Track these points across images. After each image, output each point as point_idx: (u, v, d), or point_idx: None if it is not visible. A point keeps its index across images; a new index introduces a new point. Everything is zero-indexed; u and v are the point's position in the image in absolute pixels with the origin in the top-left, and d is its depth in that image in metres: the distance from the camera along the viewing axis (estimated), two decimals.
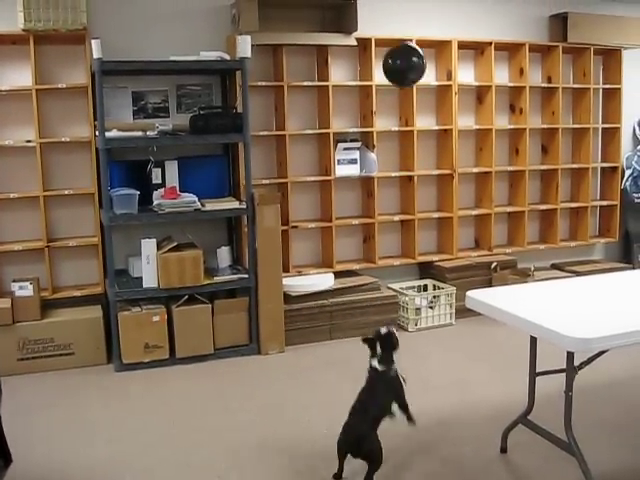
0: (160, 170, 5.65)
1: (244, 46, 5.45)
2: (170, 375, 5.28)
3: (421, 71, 4.69)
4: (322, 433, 4.21)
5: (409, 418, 3.74)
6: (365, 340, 3.74)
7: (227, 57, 5.56)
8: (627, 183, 7.74)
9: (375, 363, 3.68)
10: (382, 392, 3.67)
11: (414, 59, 4.66)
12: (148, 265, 5.37)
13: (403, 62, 4.71)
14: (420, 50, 4.74)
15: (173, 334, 5.44)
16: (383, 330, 3.72)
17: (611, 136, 7.61)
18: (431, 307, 6.36)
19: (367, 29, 6.17)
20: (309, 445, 4.09)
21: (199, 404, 4.72)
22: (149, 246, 5.37)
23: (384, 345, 3.68)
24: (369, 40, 6.21)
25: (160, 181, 5.66)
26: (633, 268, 7.26)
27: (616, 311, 3.52)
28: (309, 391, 4.92)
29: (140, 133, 5.39)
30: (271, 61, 6.17)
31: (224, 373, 5.31)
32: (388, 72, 4.72)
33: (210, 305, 5.53)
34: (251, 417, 4.50)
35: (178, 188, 5.58)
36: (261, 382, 5.13)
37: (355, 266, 6.49)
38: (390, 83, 4.84)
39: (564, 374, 3.44)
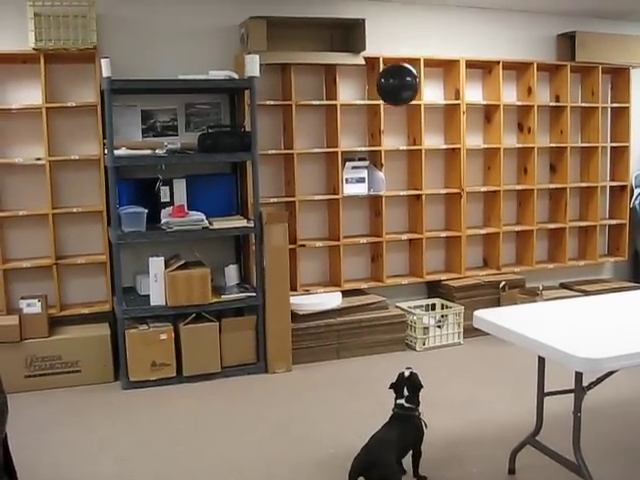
0: (168, 188, 5.67)
1: (252, 65, 5.47)
2: (177, 393, 5.27)
3: (414, 90, 4.83)
4: (329, 453, 4.19)
5: (416, 470, 3.88)
6: (392, 386, 3.98)
7: (236, 76, 5.58)
8: (636, 202, 7.71)
9: (402, 401, 3.89)
10: (408, 428, 3.84)
11: (407, 78, 4.81)
12: (156, 283, 5.38)
13: (396, 81, 4.88)
14: (413, 69, 4.87)
15: (180, 352, 5.44)
16: (406, 372, 3.97)
17: (620, 155, 7.60)
18: (439, 326, 6.34)
19: (375, 48, 6.20)
20: (316, 464, 4.07)
21: (206, 423, 4.71)
22: (157, 264, 5.38)
23: (409, 386, 3.92)
24: (377, 59, 6.23)
25: (168, 199, 5.67)
26: None
27: (625, 331, 3.50)
28: (316, 410, 4.90)
29: (149, 151, 5.42)
30: (279, 80, 6.19)
31: (231, 392, 5.29)
32: (382, 91, 4.91)
33: (217, 323, 5.52)
34: (258, 436, 4.48)
35: (186, 206, 5.59)
36: (268, 401, 5.11)
37: (363, 285, 6.48)
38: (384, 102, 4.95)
39: (572, 394, 3.42)
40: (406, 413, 3.88)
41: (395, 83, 4.89)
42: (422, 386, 3.97)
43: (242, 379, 5.55)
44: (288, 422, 4.70)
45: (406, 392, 3.91)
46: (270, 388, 5.38)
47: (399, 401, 3.91)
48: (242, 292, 5.67)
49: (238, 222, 5.63)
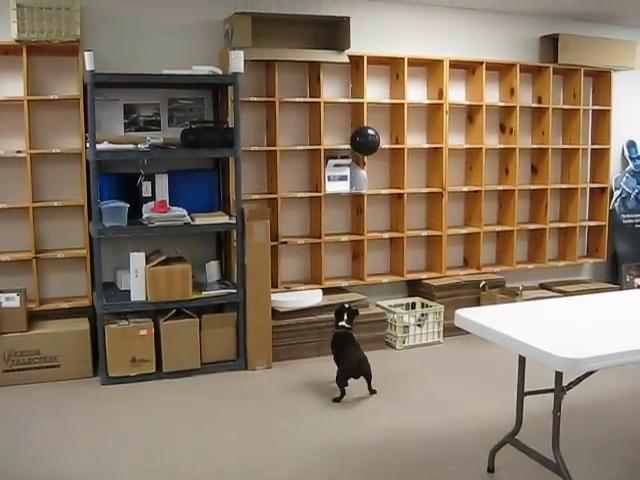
0: (150, 183, 5.63)
1: (237, 61, 5.45)
2: (156, 389, 5.24)
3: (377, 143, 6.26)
4: (310, 450, 4.19)
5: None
6: (336, 311, 5.44)
7: (219, 72, 5.57)
8: (616, 204, 7.78)
9: (344, 323, 5.34)
10: (356, 340, 5.28)
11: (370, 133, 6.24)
12: (136, 278, 5.36)
13: (362, 139, 6.27)
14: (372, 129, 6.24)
15: (160, 348, 5.41)
16: (346, 305, 5.49)
17: (600, 157, 7.66)
18: (419, 325, 6.36)
19: (359, 46, 6.19)
20: (296, 460, 4.07)
21: (185, 419, 4.69)
22: (138, 259, 5.36)
23: (349, 312, 5.37)
24: (361, 57, 6.23)
25: (150, 194, 5.63)
26: (621, 288, 7.29)
27: (605, 332, 3.53)
28: (296, 407, 4.90)
29: (131, 146, 5.38)
30: (263, 77, 6.18)
31: (211, 388, 5.28)
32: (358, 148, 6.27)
33: (198, 320, 5.50)
34: (238, 432, 4.47)
35: (168, 202, 5.56)
36: (248, 397, 5.10)
37: (344, 283, 6.48)
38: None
39: (552, 394, 3.44)
40: (347, 331, 5.30)
41: (362, 141, 6.26)
42: (358, 312, 5.52)
43: (222, 375, 5.54)
44: (268, 418, 4.69)
45: (346, 317, 5.34)
46: (250, 385, 5.38)
47: (341, 323, 5.34)
48: (223, 288, 5.66)
49: (220, 218, 5.62)
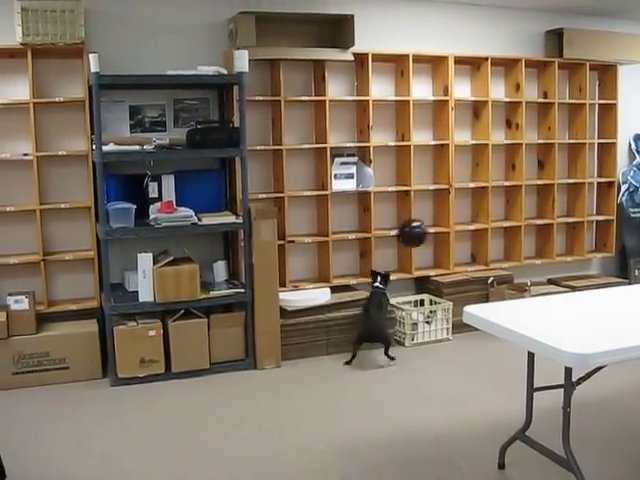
0: (157, 184, 5.63)
1: (241, 61, 5.45)
2: (166, 390, 5.25)
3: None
4: (320, 449, 4.19)
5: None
6: (372, 272, 6.10)
7: (224, 72, 5.57)
8: (623, 198, 7.76)
9: (377, 284, 5.95)
10: (384, 301, 5.89)
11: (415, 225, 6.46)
12: (144, 279, 5.36)
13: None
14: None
15: (169, 348, 5.42)
16: (378, 271, 6.06)
17: (607, 151, 7.64)
18: (428, 322, 6.35)
19: (364, 44, 6.18)
20: (307, 460, 4.06)
21: (195, 419, 4.70)
22: (145, 260, 5.36)
23: (383, 277, 5.98)
24: (366, 55, 6.22)
25: (157, 195, 5.63)
26: (629, 283, 7.26)
27: (614, 326, 3.52)
28: (305, 406, 4.89)
29: (137, 147, 5.38)
30: (268, 76, 6.18)
31: (220, 388, 5.28)
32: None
33: (206, 320, 5.50)
34: (247, 432, 4.47)
35: (175, 202, 5.56)
36: (257, 397, 5.10)
37: (352, 281, 6.48)
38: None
39: (562, 390, 3.43)
40: (378, 291, 5.92)
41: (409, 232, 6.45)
42: (390, 276, 6.10)
43: (231, 375, 5.54)
44: (277, 418, 4.69)
45: (379, 279, 5.95)
46: (259, 384, 5.38)
47: (375, 283, 5.97)
48: (231, 288, 5.66)
49: (227, 218, 5.62)
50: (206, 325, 5.50)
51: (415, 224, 6.40)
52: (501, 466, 3.93)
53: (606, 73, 7.52)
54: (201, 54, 5.82)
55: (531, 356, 3.71)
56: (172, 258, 5.42)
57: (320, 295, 6.05)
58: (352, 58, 6.11)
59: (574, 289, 6.75)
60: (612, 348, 3.13)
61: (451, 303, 6.35)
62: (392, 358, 5.67)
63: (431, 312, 6.40)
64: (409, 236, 6.40)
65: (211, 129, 5.69)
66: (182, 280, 5.39)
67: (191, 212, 5.47)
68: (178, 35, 5.83)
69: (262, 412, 4.80)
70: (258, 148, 6.02)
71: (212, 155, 5.78)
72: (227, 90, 5.89)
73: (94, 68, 5.04)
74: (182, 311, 5.44)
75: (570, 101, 7.36)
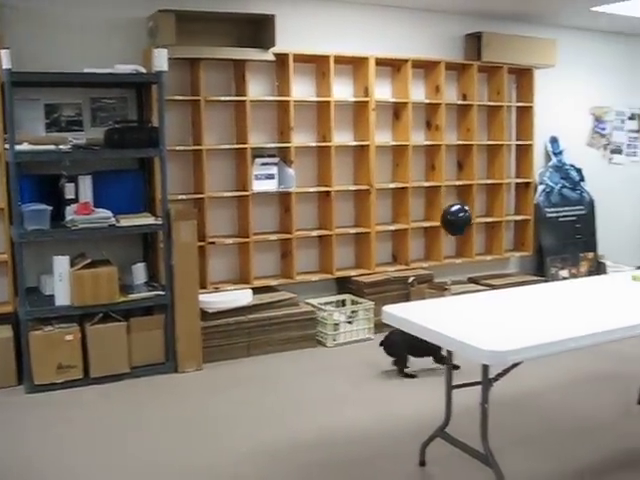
0: (74, 185, 5.50)
1: (160, 59, 5.38)
2: (84, 396, 5.13)
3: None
4: (241, 452, 4.16)
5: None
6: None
7: (143, 70, 5.48)
8: (540, 198, 7.93)
9: None
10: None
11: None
12: (61, 283, 5.24)
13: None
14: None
15: (87, 353, 5.30)
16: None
17: (524, 152, 7.80)
18: (349, 322, 6.37)
19: (285, 44, 6.18)
20: (229, 464, 4.02)
21: (116, 425, 4.60)
22: (61, 263, 5.24)
23: None
24: (287, 55, 6.21)
25: (73, 196, 5.49)
26: (546, 281, 7.41)
27: (530, 323, 3.58)
28: (228, 409, 4.84)
29: (52, 147, 5.24)
30: (188, 75, 6.11)
31: (141, 392, 5.19)
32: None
33: (125, 323, 5.41)
34: (170, 437, 4.40)
35: (92, 203, 5.44)
36: (178, 401, 5.03)
37: (273, 282, 6.45)
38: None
39: (480, 386, 3.47)
40: None
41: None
42: None
43: (152, 379, 5.45)
44: (198, 422, 4.63)
45: None
46: (180, 388, 5.31)
47: None
48: (150, 291, 5.57)
49: (146, 219, 5.52)
50: (125, 329, 5.40)
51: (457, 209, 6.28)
52: (422, 464, 3.95)
53: (523, 76, 7.68)
54: (120, 52, 5.72)
55: (449, 354, 3.75)
56: (89, 261, 5.31)
57: (241, 296, 6.01)
58: (273, 58, 6.09)
59: (493, 287, 6.85)
60: (528, 345, 3.18)
61: (372, 303, 6.38)
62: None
63: (353, 312, 6.43)
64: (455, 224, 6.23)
65: (129, 129, 5.59)
66: (100, 283, 5.28)
67: (109, 213, 5.36)
68: (96, 32, 5.71)
69: (183, 416, 4.73)
70: (178, 148, 5.94)
71: (131, 155, 5.68)
72: (146, 89, 5.79)
73: (6, 64, 4.89)
74: (100, 315, 5.33)
75: (489, 103, 7.48)
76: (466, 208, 5.85)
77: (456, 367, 4.39)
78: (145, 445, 4.29)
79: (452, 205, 6.08)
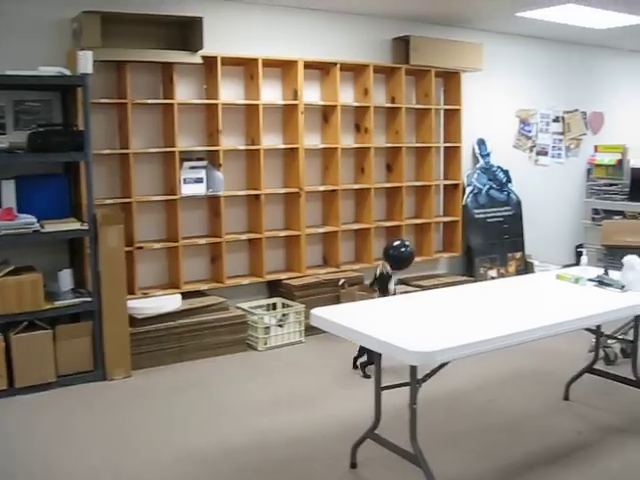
0: None
1: (85, 62, 5.28)
2: (8, 407, 4.99)
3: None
4: (171, 459, 4.11)
5: None
6: None
7: (67, 72, 5.38)
8: (468, 199, 8.03)
9: None
10: None
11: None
12: None
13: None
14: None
15: (11, 363, 5.16)
16: None
17: (452, 154, 7.90)
18: (280, 325, 6.36)
19: (213, 47, 6.14)
20: (159, 472, 3.97)
21: (42, 436, 4.49)
22: None
23: None
24: (215, 58, 6.17)
25: None
26: (475, 281, 7.52)
27: (458, 323, 3.63)
28: (158, 416, 4.78)
29: None
30: (115, 78, 6.01)
31: (67, 402, 5.08)
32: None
33: (51, 331, 5.29)
34: (95, 446, 4.32)
35: (15, 209, 5.32)
36: (106, 409, 4.94)
37: (203, 286, 6.39)
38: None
39: (409, 387, 3.49)
40: None
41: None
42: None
43: (80, 388, 5.34)
44: (127, 430, 4.56)
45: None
46: (109, 396, 5.21)
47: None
48: (77, 297, 5.47)
49: (71, 225, 5.42)
50: (51, 337, 5.28)
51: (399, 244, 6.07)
52: (353, 465, 3.97)
53: (450, 80, 7.78)
54: (44, 53, 5.60)
55: (378, 355, 3.76)
56: (13, 268, 5.19)
57: (170, 302, 5.94)
58: (201, 61, 6.05)
59: (423, 288, 6.91)
60: (454, 345, 3.22)
61: (303, 306, 6.38)
62: None
63: (283, 315, 6.42)
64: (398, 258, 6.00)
65: (54, 132, 5.48)
66: (24, 291, 5.16)
67: (33, 219, 5.24)
68: (19, 33, 5.57)
69: (111, 425, 4.65)
70: (104, 152, 5.84)
71: (55, 159, 5.56)
72: (71, 92, 5.68)
73: None
74: (25, 323, 5.20)
75: (417, 106, 7.56)
76: (407, 244, 5.95)
77: None
78: (73, 454, 4.21)
79: (394, 240, 6.24)
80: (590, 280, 4.50)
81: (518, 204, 8.51)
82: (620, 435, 4.40)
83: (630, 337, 4.77)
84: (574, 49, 9.10)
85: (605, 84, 9.65)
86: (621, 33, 8.16)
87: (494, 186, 8.30)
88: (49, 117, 5.78)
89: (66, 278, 5.65)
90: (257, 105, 6.44)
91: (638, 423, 4.57)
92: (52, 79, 5.33)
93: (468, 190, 8.05)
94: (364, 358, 5.46)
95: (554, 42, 8.83)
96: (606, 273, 4.57)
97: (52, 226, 5.31)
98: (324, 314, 3.76)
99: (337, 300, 6.55)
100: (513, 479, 3.88)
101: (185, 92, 6.29)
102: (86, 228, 5.38)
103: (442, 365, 3.47)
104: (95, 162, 5.48)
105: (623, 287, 4.29)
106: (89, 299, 5.43)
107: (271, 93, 6.72)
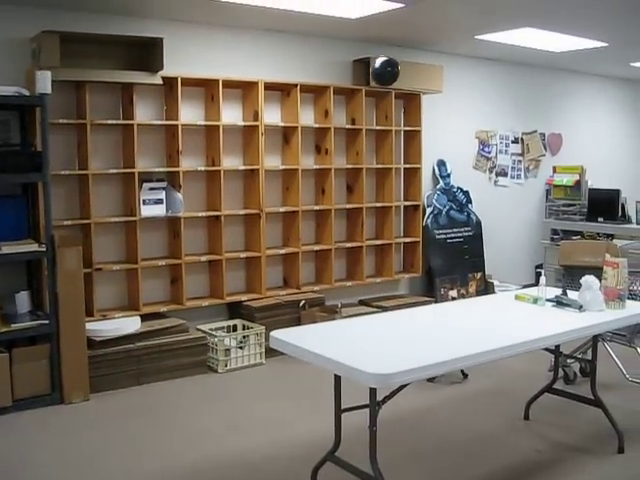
0: None
1: (44, 81, 5.24)
2: None
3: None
4: None
5: None
6: None
7: (26, 92, 5.33)
8: (428, 220, 8.08)
9: None
10: None
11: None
12: None
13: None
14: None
15: None
16: None
17: (412, 176, 7.95)
18: (241, 347, 6.32)
19: (174, 68, 6.13)
20: None
21: None
22: None
23: None
24: (175, 79, 6.15)
25: None
26: (436, 301, 7.56)
27: (417, 345, 3.64)
28: (116, 441, 4.72)
29: None
30: (74, 98, 5.97)
31: (24, 427, 4.99)
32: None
33: (8, 354, 5.20)
34: (50, 472, 4.25)
35: None
36: (63, 433, 4.86)
37: (163, 308, 6.33)
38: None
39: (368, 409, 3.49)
40: None
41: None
42: None
43: (37, 412, 5.25)
44: (84, 455, 4.49)
45: None
46: (67, 420, 5.13)
47: None
48: (34, 320, 5.39)
49: (29, 246, 5.35)
50: (8, 360, 5.20)
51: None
52: None
53: (410, 101, 7.84)
54: (2, 73, 5.55)
55: (337, 378, 3.75)
56: None
57: (129, 324, 5.88)
58: (161, 82, 6.03)
59: (384, 309, 6.94)
60: (413, 367, 3.22)
61: (263, 327, 6.35)
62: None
63: (244, 337, 6.38)
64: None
65: (11, 153, 5.42)
66: None
67: None
68: None
69: (68, 449, 4.58)
70: (63, 173, 5.78)
71: (12, 180, 5.47)
72: (30, 112, 5.62)
73: None
74: None
75: (377, 127, 7.60)
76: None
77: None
78: (28, 479, 4.14)
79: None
80: (549, 300, 4.55)
81: (478, 224, 8.59)
82: (579, 454, 4.43)
83: (588, 356, 4.81)
84: (532, 71, 9.25)
85: (563, 106, 9.81)
86: (576, 56, 8.32)
87: (454, 207, 8.37)
88: (7, 137, 5.71)
89: (23, 300, 5.58)
90: (217, 126, 6.44)
91: (597, 442, 4.60)
92: (10, 99, 5.27)
93: (428, 211, 8.11)
94: None
95: (513, 64, 8.96)
96: (564, 293, 4.62)
97: (9, 248, 5.24)
98: (283, 336, 3.75)
99: (298, 321, 6.56)
100: None
101: (145, 113, 6.27)
102: (44, 250, 5.32)
103: (402, 387, 3.47)
104: (53, 183, 5.43)
105: (581, 307, 4.34)
106: (46, 321, 5.36)
107: (231, 114, 6.72)
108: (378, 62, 7.04)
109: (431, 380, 5.63)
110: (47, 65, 5.39)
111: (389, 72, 7.11)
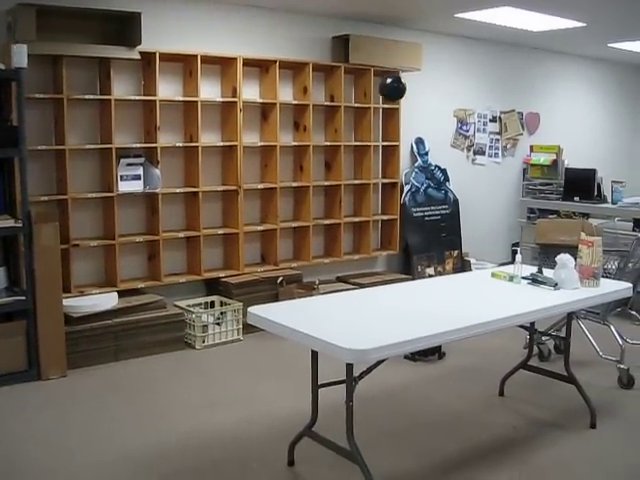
0: None
1: (20, 56, 5.18)
2: None
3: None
4: (104, 462, 4.06)
5: None
6: None
7: (1, 66, 5.27)
8: (406, 198, 8.11)
9: None
10: None
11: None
12: None
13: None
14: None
15: None
16: None
17: (390, 153, 7.96)
18: (218, 324, 6.33)
19: (152, 43, 6.08)
20: (91, 477, 3.92)
21: None
22: None
23: None
24: (153, 54, 6.11)
25: None
26: (413, 278, 7.60)
27: (394, 321, 3.67)
28: (91, 417, 4.72)
29: None
30: (50, 73, 5.91)
31: (1, 402, 4.98)
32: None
33: None
34: (29, 447, 4.25)
35: None
36: (40, 410, 4.85)
37: (140, 284, 6.32)
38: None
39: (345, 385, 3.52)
40: None
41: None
42: None
43: (13, 388, 5.23)
44: (62, 431, 4.49)
45: None
46: (43, 396, 5.12)
47: None
48: (11, 296, 5.37)
49: (5, 222, 5.32)
50: None
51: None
52: (291, 463, 3.99)
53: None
54: None
55: (314, 354, 3.78)
56: None
57: (106, 300, 5.87)
58: (138, 57, 5.98)
59: (361, 286, 6.96)
60: (389, 342, 3.25)
61: (241, 304, 6.35)
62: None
63: (221, 314, 6.39)
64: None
65: None
66: None
67: None
68: None
69: (45, 425, 4.58)
70: (39, 148, 5.73)
71: None
72: (5, 87, 5.55)
73: None
74: None
75: (356, 105, 7.60)
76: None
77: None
78: (7, 455, 4.13)
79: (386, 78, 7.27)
80: (524, 278, 4.59)
81: (455, 203, 8.63)
82: (553, 429, 4.50)
83: (563, 334, 4.87)
84: (511, 50, 9.26)
85: (541, 85, 9.84)
86: (555, 36, 8.33)
87: (432, 185, 8.40)
88: None
89: (0, 276, 5.56)
90: (196, 102, 6.41)
91: (570, 418, 4.67)
92: None
93: (406, 189, 8.13)
94: None
95: (492, 43, 8.97)
96: (540, 271, 4.65)
97: None
98: (261, 312, 3.77)
99: (276, 298, 6.58)
100: (449, 474, 3.95)
101: (123, 88, 6.22)
102: (20, 225, 5.29)
103: (379, 362, 3.50)
104: (30, 158, 5.39)
105: (556, 285, 4.38)
106: (23, 298, 5.34)
107: (210, 90, 6.68)
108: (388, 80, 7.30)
109: (411, 358, 5.69)
110: (23, 39, 5.33)
111: (396, 88, 7.35)
